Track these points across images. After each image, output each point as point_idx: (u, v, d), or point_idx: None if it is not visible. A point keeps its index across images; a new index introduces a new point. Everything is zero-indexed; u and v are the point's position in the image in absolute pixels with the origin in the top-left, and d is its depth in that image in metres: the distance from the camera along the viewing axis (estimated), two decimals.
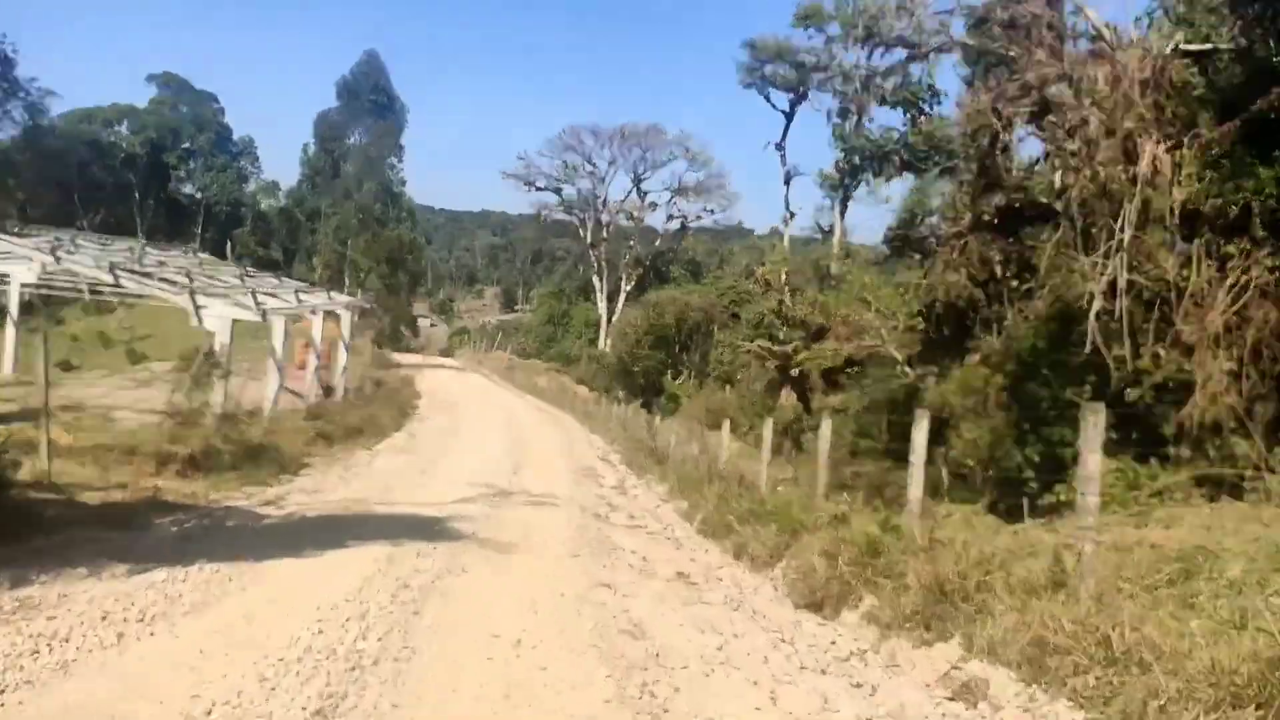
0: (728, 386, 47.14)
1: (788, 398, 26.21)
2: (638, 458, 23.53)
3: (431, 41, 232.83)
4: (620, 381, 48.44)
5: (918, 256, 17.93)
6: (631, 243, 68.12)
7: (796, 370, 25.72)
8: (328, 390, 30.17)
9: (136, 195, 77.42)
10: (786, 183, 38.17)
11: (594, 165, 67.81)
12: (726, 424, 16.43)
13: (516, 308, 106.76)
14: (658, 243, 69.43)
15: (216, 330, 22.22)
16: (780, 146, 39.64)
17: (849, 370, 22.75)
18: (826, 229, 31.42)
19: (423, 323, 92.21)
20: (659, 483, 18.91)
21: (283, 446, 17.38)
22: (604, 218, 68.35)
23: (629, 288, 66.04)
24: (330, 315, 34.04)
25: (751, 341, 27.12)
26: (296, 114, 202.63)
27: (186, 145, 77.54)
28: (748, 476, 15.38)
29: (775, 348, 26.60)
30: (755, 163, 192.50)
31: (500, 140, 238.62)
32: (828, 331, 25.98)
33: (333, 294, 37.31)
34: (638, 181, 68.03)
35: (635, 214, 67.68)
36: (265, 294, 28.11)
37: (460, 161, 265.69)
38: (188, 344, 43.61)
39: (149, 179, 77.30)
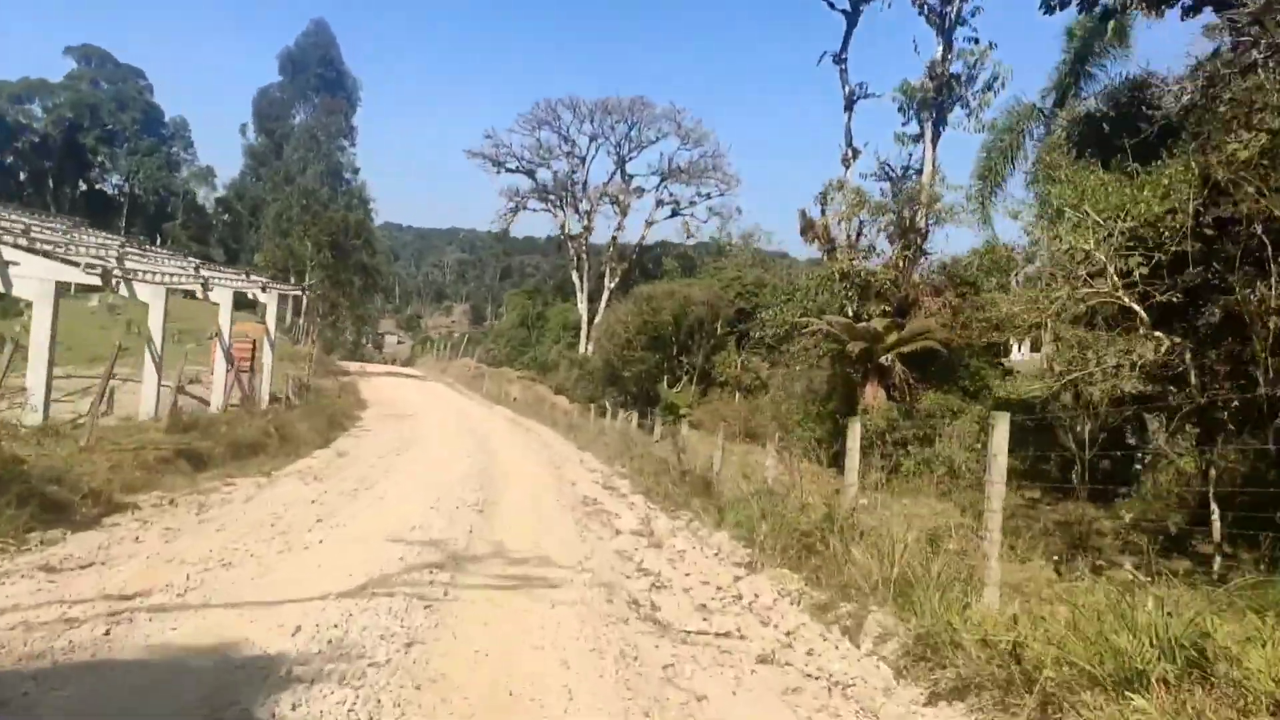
0: (737, 394, 40.56)
1: (874, 396, 19.45)
2: (660, 485, 16.82)
3: (388, 16, 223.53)
4: (608, 389, 41.66)
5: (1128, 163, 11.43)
6: (615, 234, 61.12)
7: (889, 358, 19.02)
8: (251, 398, 23.56)
9: (50, 183, 69.58)
10: (848, 108, 28.90)
11: (573, 143, 60.86)
12: (854, 428, 9.64)
13: (485, 324, 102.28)
14: (645, 235, 62.49)
15: (34, 297, 15.42)
16: (840, 59, 30.09)
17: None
18: (900, 171, 24.44)
19: (390, 339, 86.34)
20: (712, 527, 12.26)
21: (87, 476, 10.51)
22: (584, 205, 61.36)
23: (613, 284, 59.16)
24: (250, 309, 27.12)
25: (817, 317, 20.25)
26: (241, 94, 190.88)
27: (108, 125, 69.49)
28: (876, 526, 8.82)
29: (860, 325, 19.70)
30: (761, 161, 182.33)
31: (470, 138, 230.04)
32: (916, 304, 19.48)
33: (251, 275, 30.20)
34: (621, 162, 61.14)
35: (621, 198, 60.72)
36: (134, 255, 21.07)
37: (427, 176, 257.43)
38: (106, 346, 36.62)
39: (64, 164, 69.39)
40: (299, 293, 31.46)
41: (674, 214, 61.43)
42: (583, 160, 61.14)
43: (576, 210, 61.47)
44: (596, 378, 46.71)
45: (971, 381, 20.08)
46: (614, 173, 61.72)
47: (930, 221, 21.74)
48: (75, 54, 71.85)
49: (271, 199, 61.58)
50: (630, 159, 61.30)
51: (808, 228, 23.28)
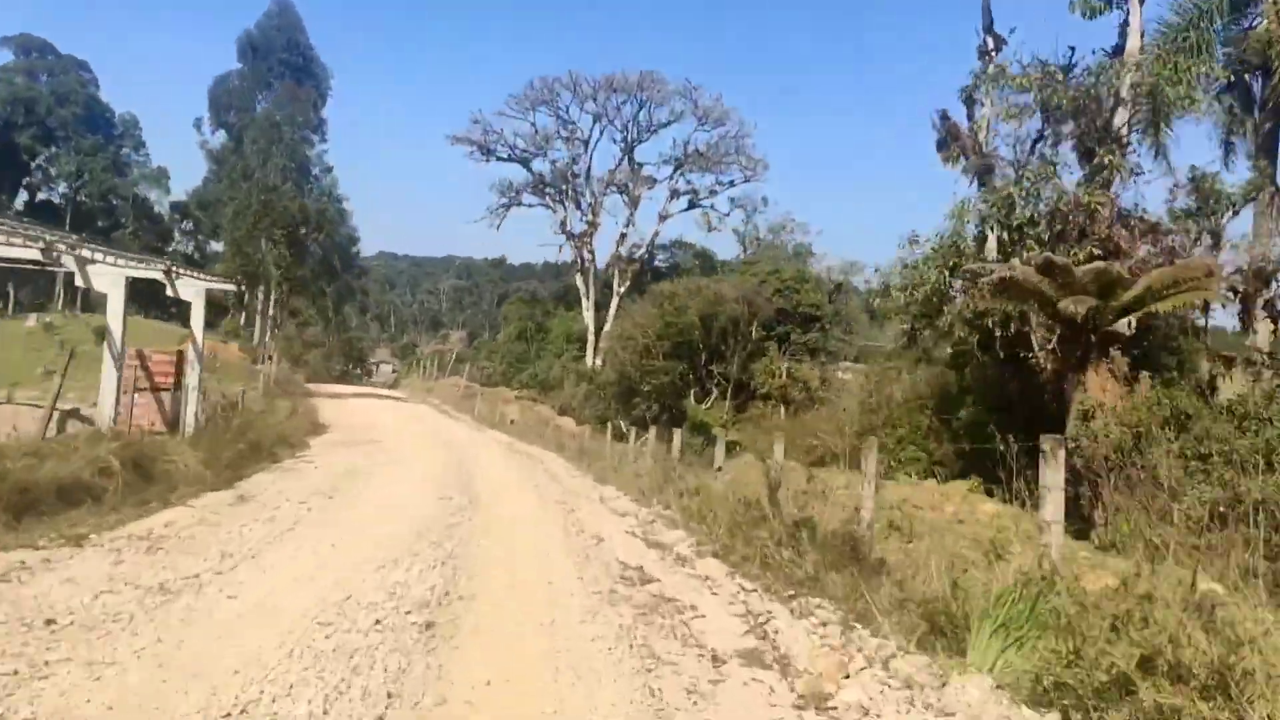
0: (783, 408, 34.22)
1: (1103, 388, 12.74)
2: (745, 543, 10.47)
3: (383, 18, 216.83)
4: (631, 401, 35.29)
5: None
6: (624, 230, 54.69)
7: (1131, 324, 12.66)
8: (175, 421, 17.90)
9: None
10: None
11: (574, 126, 54.41)
12: None
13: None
14: (659, 231, 56.13)
15: None
16: None
17: None
18: (1059, 69, 16.95)
19: (384, 368, 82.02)
20: (925, 652, 5.80)
21: None
22: (587, 198, 54.90)
23: (622, 289, 52.84)
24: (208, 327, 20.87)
25: (952, 268, 13.49)
26: (201, 91, 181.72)
27: (46, 122, 63.12)
28: None
29: (1086, 268, 13.11)
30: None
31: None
32: (1118, 251, 13.21)
33: (176, 267, 23.89)
34: (630, 148, 54.62)
35: (630, 188, 54.28)
36: None
37: (423, 202, 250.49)
38: (31, 369, 30.77)
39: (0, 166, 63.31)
40: (232, 287, 25.19)
41: (691, 205, 55.21)
42: (585, 145, 54.80)
43: (578, 205, 55.07)
44: (608, 394, 40.36)
45: (1180, 371, 13.83)
46: (621, 159, 55.30)
47: (1138, 127, 15.22)
48: (10, 44, 66.09)
49: (229, 198, 55.16)
50: (640, 143, 54.95)
51: (952, 137, 16.67)
